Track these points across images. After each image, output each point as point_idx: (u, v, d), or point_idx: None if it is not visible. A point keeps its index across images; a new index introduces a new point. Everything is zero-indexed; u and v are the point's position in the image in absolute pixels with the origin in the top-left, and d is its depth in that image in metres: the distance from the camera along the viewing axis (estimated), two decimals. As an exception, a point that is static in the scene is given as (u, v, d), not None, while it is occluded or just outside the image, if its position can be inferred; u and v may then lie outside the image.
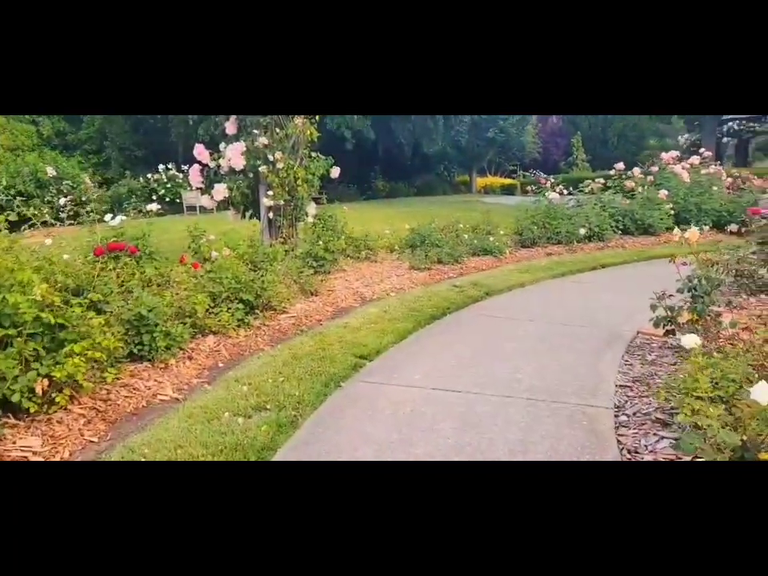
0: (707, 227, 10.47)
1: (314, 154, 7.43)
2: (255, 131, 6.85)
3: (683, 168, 11.11)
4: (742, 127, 20.30)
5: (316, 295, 6.05)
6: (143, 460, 2.71)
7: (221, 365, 4.17)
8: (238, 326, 4.75)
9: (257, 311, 5.09)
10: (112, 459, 2.74)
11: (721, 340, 3.58)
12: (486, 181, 29.09)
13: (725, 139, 21.00)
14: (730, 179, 12.27)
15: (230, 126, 7.16)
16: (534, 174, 31.63)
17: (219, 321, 4.63)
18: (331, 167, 7.61)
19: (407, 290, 6.47)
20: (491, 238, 8.41)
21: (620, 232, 10.05)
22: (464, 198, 23.69)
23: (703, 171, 11.45)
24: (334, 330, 4.88)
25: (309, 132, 7.34)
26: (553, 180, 10.37)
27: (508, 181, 29.42)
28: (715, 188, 11.14)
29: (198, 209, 17.10)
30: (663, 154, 11.63)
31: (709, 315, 3.93)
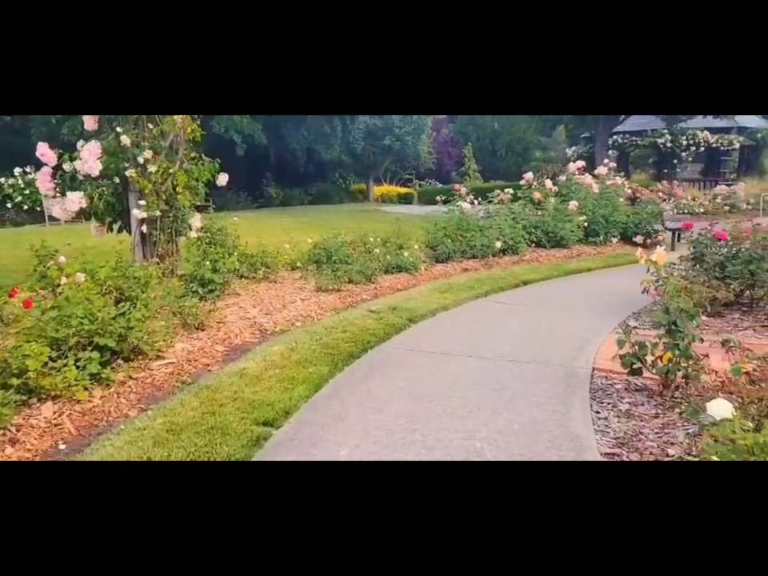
0: (615, 239, 10.37)
1: (195, 155, 6.19)
2: (119, 129, 5.51)
3: (592, 179, 10.99)
4: (625, 141, 21.25)
5: (203, 330, 4.84)
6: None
7: (62, 447, 2.93)
8: (92, 385, 3.48)
9: (120, 359, 3.84)
10: None
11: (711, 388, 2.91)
12: (382, 189, 28.51)
13: (610, 152, 21.89)
14: (629, 191, 12.42)
15: (89, 120, 5.76)
16: (430, 183, 31.64)
17: (64, 379, 3.35)
18: (218, 172, 6.39)
19: (316, 317, 5.43)
20: (405, 253, 7.55)
21: (533, 245, 9.64)
22: (362, 206, 22.91)
23: (608, 182, 11.41)
24: (226, 380, 3.76)
25: (190, 130, 6.10)
26: (465, 189, 9.75)
27: (405, 190, 29.03)
28: (621, 199, 11.13)
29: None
30: (571, 165, 11.44)
31: (688, 355, 3.28)
